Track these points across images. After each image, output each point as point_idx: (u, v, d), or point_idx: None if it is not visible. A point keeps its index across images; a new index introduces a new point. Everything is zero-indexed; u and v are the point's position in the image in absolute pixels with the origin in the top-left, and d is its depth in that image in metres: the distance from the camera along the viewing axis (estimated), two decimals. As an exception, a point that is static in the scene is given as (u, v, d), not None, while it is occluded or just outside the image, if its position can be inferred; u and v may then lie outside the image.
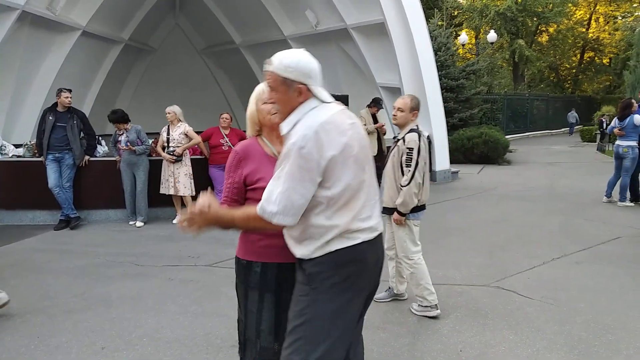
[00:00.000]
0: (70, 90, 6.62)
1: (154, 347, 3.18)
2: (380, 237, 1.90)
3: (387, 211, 3.62)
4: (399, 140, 3.64)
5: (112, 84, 13.09)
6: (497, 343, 3.21)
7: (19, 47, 9.01)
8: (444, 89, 13.35)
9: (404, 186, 3.50)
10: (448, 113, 12.45)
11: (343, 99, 9.72)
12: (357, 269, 1.80)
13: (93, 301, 4.01)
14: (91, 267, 4.91)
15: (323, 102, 1.80)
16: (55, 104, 6.54)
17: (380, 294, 3.84)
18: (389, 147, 4.11)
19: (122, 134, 6.65)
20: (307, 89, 1.76)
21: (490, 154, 12.80)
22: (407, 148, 3.52)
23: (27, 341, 3.29)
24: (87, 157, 6.74)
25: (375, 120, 8.18)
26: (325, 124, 1.71)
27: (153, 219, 6.87)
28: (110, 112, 6.85)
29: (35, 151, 6.89)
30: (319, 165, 1.68)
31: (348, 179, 1.74)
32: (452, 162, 10.65)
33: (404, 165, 3.53)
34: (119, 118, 6.67)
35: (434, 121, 9.67)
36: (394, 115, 3.66)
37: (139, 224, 6.63)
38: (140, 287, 4.31)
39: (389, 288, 3.94)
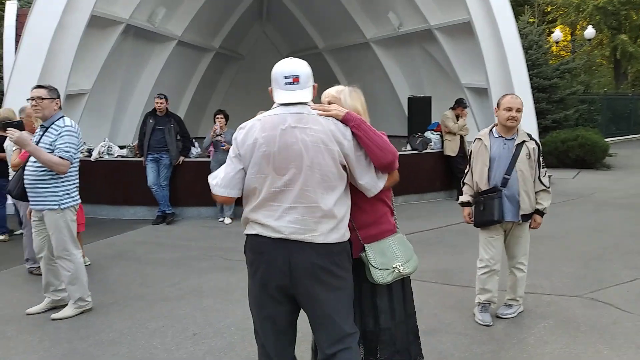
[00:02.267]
0: (162, 96, 7.16)
1: (240, 336, 3.36)
2: (290, 243, 1.95)
3: (525, 218, 3.43)
4: (523, 142, 3.41)
5: (204, 89, 13.90)
6: (589, 357, 3.02)
7: (123, 57, 9.86)
8: (536, 88, 12.65)
9: (548, 187, 3.45)
10: (540, 114, 11.78)
11: (425, 101, 9.65)
12: (256, 259, 2.04)
13: (186, 291, 4.32)
14: (185, 259, 5.28)
15: (278, 104, 2.06)
16: (155, 109, 7.11)
17: (505, 309, 3.61)
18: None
19: (221, 134, 7.01)
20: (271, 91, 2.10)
21: (586, 158, 11.92)
22: (538, 148, 3.45)
23: (129, 323, 3.63)
24: (182, 158, 7.24)
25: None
26: (256, 121, 2.06)
27: (240, 216, 7.21)
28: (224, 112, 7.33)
29: (137, 152, 7.51)
30: (238, 153, 2.05)
31: (251, 172, 2.01)
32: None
33: (540, 167, 3.43)
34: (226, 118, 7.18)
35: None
36: (514, 117, 3.37)
37: (227, 220, 7.01)
38: (228, 280, 4.56)
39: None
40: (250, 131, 2.02)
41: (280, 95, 2.04)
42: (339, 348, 1.99)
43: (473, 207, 3.49)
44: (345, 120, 2.02)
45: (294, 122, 1.98)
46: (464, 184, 3.63)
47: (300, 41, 15.53)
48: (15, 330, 3.57)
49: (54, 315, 3.74)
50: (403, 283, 2.33)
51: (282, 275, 1.98)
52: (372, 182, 2.07)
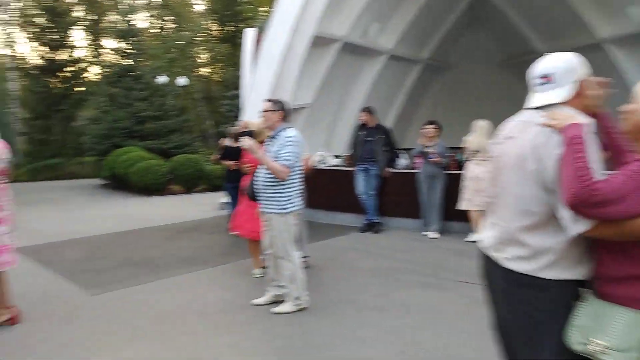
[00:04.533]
0: (367, 110, 7.33)
1: (452, 363, 3.13)
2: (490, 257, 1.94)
3: None
4: None
5: (412, 101, 13.95)
6: None
7: (339, 72, 10.51)
8: None
9: None
10: None
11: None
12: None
13: (393, 303, 4.25)
14: (391, 271, 5.25)
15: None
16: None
17: None
18: None
19: (431, 146, 6.89)
20: None
21: None
22: None
23: (340, 329, 3.71)
24: (389, 169, 7.31)
25: None
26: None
27: (446, 231, 6.94)
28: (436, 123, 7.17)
29: (348, 162, 7.87)
30: None
31: None
32: None
33: None
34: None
35: None
36: None
37: (432, 235, 6.79)
38: (436, 299, 4.35)
39: None
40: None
41: (529, 98, 1.82)
42: None
43: None
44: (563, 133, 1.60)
45: (516, 131, 1.78)
46: None
47: (515, 46, 14.40)
48: (245, 317, 3.98)
49: (274, 309, 4.06)
50: None
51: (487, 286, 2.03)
52: (567, 219, 1.58)
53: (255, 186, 4.13)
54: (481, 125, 6.66)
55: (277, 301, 4.20)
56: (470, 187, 6.54)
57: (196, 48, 27.91)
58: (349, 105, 11.35)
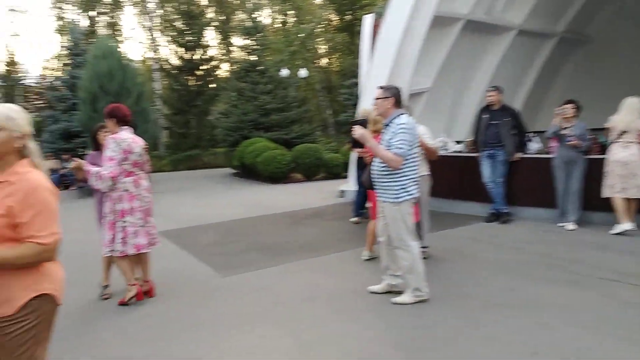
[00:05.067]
0: (494, 88, 6.78)
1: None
2: None
3: None
4: None
5: (543, 79, 12.75)
6: None
7: (460, 53, 9.96)
8: None
9: None
10: None
11: None
12: None
13: (522, 300, 3.92)
14: (518, 264, 4.86)
15: None
16: (488, 104, 6.84)
17: None
18: None
19: (568, 127, 6.23)
20: None
21: None
22: None
23: (462, 323, 3.51)
24: (518, 154, 6.75)
25: None
26: None
27: (586, 223, 6.23)
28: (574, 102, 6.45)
29: (471, 147, 7.43)
30: None
31: None
32: None
33: None
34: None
35: None
36: None
37: (570, 226, 6.13)
38: (573, 297, 3.92)
39: None
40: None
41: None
42: None
43: None
44: None
45: None
46: None
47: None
48: (363, 305, 3.97)
49: (394, 299, 3.98)
50: None
51: None
52: None
53: (371, 175, 4.08)
54: (630, 102, 5.85)
55: (393, 291, 4.12)
56: (614, 173, 5.79)
57: (316, 39, 28.54)
58: (470, 88, 10.74)
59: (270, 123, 18.14)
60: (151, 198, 4.38)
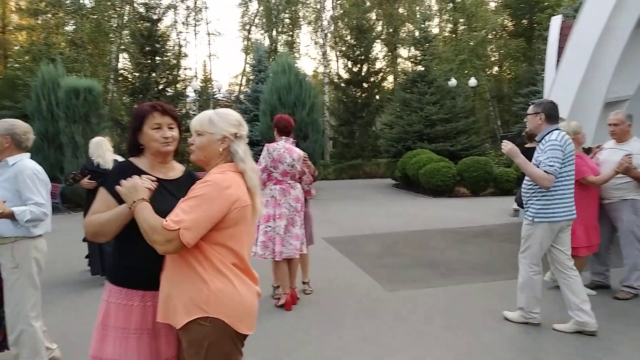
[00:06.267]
0: None
1: None
2: None
3: None
4: None
5: None
6: None
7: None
8: None
9: None
10: None
11: None
12: None
13: None
14: None
15: None
16: None
17: None
18: None
19: None
20: None
21: None
22: None
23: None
24: None
25: None
26: None
27: None
28: None
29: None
30: None
31: None
32: None
33: None
34: None
35: None
36: None
37: None
38: None
39: None
40: None
41: None
42: None
43: None
44: None
45: None
46: None
47: None
48: (550, 345, 3.46)
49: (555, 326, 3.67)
50: None
51: None
52: None
53: (522, 192, 3.85)
54: None
55: (582, 331, 3.57)
56: None
57: (487, 46, 27.04)
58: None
59: (435, 134, 17.64)
60: (300, 208, 4.43)
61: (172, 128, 2.01)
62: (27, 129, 3.05)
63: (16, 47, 22.74)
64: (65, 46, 20.75)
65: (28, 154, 3.06)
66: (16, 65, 18.97)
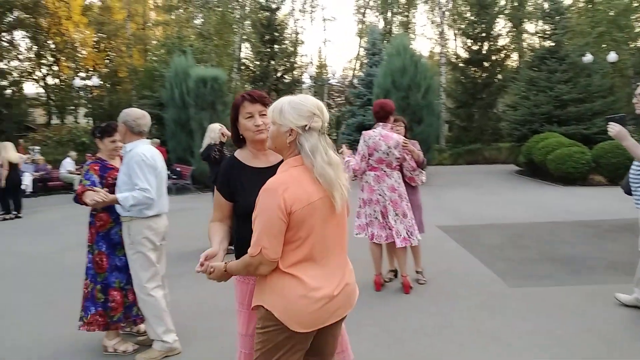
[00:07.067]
0: None
1: None
2: None
3: None
4: None
5: None
6: None
7: None
8: None
9: None
10: None
11: None
12: None
13: None
14: None
15: None
16: None
17: None
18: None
19: None
20: None
21: None
22: None
23: None
24: None
25: None
26: None
27: None
28: None
29: None
30: None
31: None
32: None
33: None
34: None
35: None
36: None
37: None
38: None
39: None
40: None
41: None
42: None
43: None
44: None
45: None
46: None
47: None
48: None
49: None
50: None
51: None
52: None
53: (630, 178, 3.60)
54: None
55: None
56: None
57: (631, 16, 23.76)
58: None
59: (567, 116, 16.00)
60: (396, 198, 4.26)
61: (263, 115, 2.01)
62: (139, 115, 3.20)
63: (154, 42, 25.11)
64: (195, 38, 22.38)
65: (146, 140, 3.27)
66: (154, 58, 20.92)
